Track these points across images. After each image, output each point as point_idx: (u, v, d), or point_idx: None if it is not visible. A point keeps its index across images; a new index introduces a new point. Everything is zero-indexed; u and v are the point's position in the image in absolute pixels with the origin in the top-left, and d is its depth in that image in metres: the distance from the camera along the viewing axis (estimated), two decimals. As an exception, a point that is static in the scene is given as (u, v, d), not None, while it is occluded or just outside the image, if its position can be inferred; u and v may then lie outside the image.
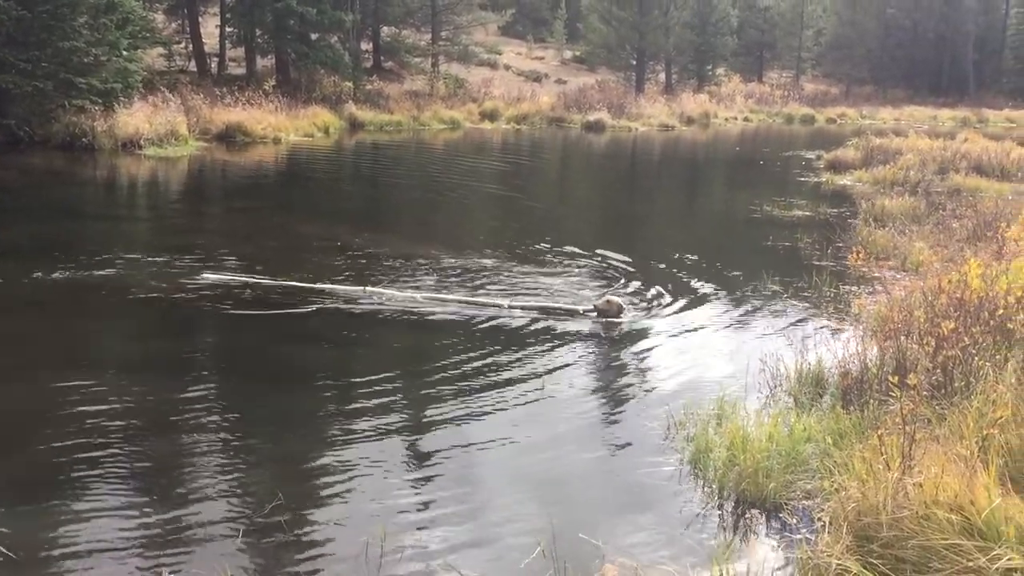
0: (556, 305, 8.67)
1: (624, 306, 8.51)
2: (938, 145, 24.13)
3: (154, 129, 21.37)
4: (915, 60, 64.74)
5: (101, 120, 20.51)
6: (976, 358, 5.83)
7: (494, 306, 8.47)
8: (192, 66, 33.85)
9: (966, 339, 5.78)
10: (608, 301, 8.46)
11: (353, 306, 8.51)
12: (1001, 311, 6.17)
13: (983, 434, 4.56)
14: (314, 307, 8.49)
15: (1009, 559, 3.69)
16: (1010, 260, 8.11)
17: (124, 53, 21.30)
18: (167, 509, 4.85)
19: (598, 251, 11.99)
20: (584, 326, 8.44)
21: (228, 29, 34.33)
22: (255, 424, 6.06)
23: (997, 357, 5.96)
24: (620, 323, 8.38)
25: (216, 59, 34.66)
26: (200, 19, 34.67)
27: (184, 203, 16.22)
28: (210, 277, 9.36)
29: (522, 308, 8.46)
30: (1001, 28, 67.07)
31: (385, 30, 40.71)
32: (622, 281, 10.35)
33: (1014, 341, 6.11)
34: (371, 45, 40.60)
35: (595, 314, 8.45)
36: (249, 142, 24.20)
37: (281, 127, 25.65)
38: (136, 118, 21.34)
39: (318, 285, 8.91)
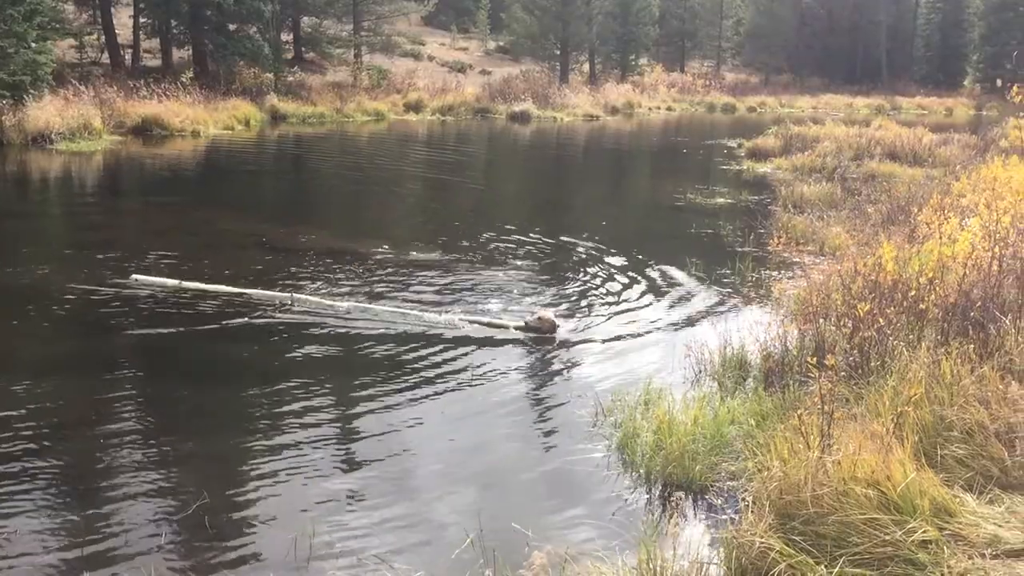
0: (487, 320, 8.15)
1: (557, 323, 7.98)
2: (854, 132, 24.78)
3: (65, 123, 20.70)
4: (831, 49, 66.33)
5: (9, 114, 19.81)
6: (891, 338, 6.01)
7: (423, 319, 8.07)
8: (105, 58, 32.87)
9: (881, 320, 5.95)
10: (540, 318, 7.93)
11: (282, 312, 8.29)
12: (914, 292, 6.36)
13: (898, 412, 4.70)
14: (242, 313, 8.26)
15: (924, 531, 3.81)
16: (922, 243, 8.37)
17: (32, 45, 20.52)
18: (89, 510, 4.73)
19: (525, 240, 12.03)
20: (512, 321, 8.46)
21: (142, 20, 33.37)
22: (180, 425, 5.93)
23: (911, 337, 6.15)
24: (553, 338, 7.85)
25: (130, 51, 33.69)
26: (112, 9, 33.66)
27: (99, 199, 15.74)
28: (140, 279, 9.02)
29: (454, 320, 8.05)
30: (912, 18, 69.19)
31: (306, 20, 40.06)
32: (545, 275, 10.40)
33: (926, 321, 6.31)
34: (291, 36, 39.93)
35: (526, 330, 7.91)
36: (167, 136, 23.61)
37: (200, 120, 25.06)
38: (46, 112, 20.64)
39: (248, 290, 8.61)
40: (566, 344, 7.91)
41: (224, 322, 7.92)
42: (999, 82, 64.28)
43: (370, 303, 8.45)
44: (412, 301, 8.81)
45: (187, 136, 24.05)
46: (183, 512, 4.72)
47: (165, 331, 7.65)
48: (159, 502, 4.86)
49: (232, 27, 32.01)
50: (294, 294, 8.52)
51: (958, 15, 66.47)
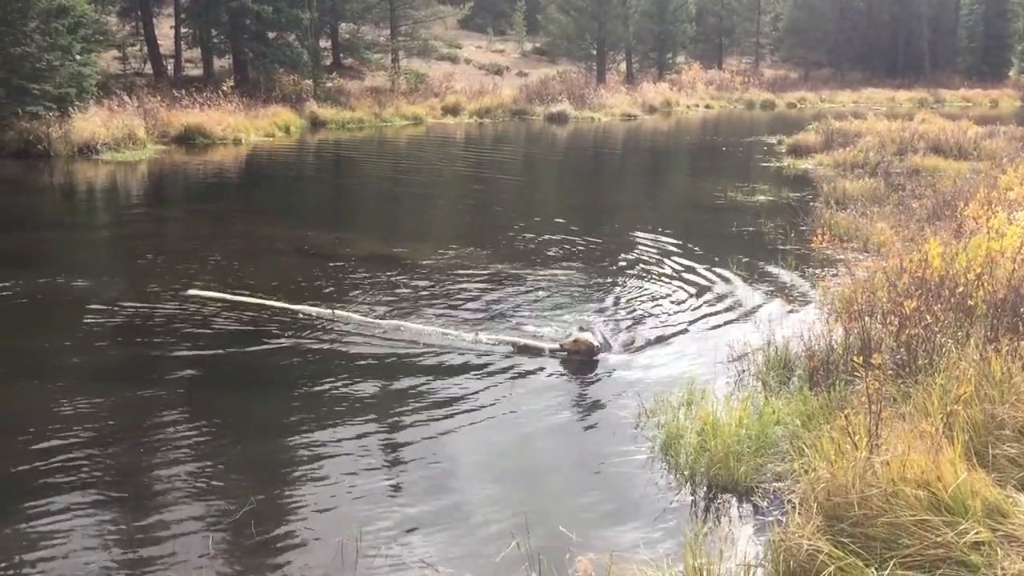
0: (523, 342, 7.61)
1: (596, 345, 7.32)
2: (896, 126, 24.45)
3: (111, 133, 21.07)
4: (871, 42, 65.46)
5: (56, 126, 20.19)
6: (939, 335, 5.91)
7: (462, 339, 7.73)
8: (148, 68, 33.41)
9: (928, 317, 5.85)
10: (576, 340, 7.31)
11: (327, 324, 8.17)
12: (961, 288, 6.25)
13: (948, 410, 4.61)
14: (288, 325, 8.29)
15: (976, 532, 3.74)
16: (968, 238, 8.22)
17: (77, 57, 20.97)
18: (137, 515, 4.81)
19: (565, 242, 12.02)
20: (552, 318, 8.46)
21: (183, 30, 33.90)
22: (226, 431, 5.99)
23: (959, 334, 6.05)
24: (594, 362, 7.29)
25: (172, 61, 34.23)
26: (154, 20, 34.24)
27: (144, 208, 15.98)
28: (194, 293, 8.99)
29: (492, 342, 7.61)
30: (954, 8, 68.01)
31: (343, 27, 40.41)
32: (586, 278, 10.38)
33: (975, 318, 6.20)
34: (330, 42, 40.28)
35: (564, 353, 7.35)
36: (209, 144, 23.93)
37: (241, 128, 25.38)
38: (92, 123, 21.01)
39: (296, 306, 8.48)
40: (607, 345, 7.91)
41: (271, 331, 7.98)
42: (1046, 72, 63.28)
43: (409, 322, 8.14)
44: (453, 312, 8.72)
45: (229, 144, 24.36)
46: (231, 517, 4.78)
47: (212, 341, 7.73)
48: (207, 507, 4.92)
49: (271, 35, 32.37)
50: (336, 311, 8.36)
51: (1001, 4, 65.21)
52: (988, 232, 7.13)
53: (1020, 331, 5.69)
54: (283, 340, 7.71)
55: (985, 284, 6.22)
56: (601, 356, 7.34)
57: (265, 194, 17.61)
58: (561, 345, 7.39)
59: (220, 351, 7.47)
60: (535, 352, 7.50)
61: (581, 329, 7.61)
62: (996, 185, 11.27)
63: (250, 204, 16.38)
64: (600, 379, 7.03)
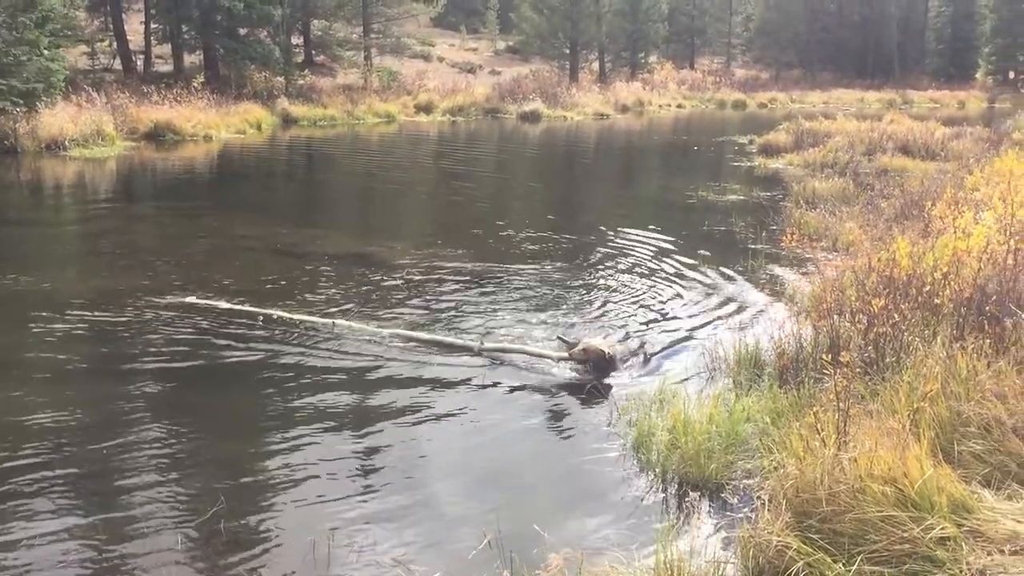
0: (528, 349, 7.26)
1: (607, 351, 6.70)
2: (865, 127, 24.70)
3: (79, 129, 20.86)
4: (841, 43, 66.11)
5: (23, 122, 19.94)
6: (906, 334, 5.98)
7: (465, 348, 7.37)
8: (117, 64, 33.09)
9: (896, 316, 5.92)
10: (585, 349, 6.77)
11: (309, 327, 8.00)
12: (928, 287, 6.33)
13: (914, 408, 4.68)
14: (263, 325, 8.19)
15: (942, 528, 3.80)
16: (935, 238, 8.33)
17: (45, 52, 20.67)
18: (105, 515, 4.76)
19: (538, 239, 12.04)
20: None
21: (153, 25, 33.61)
22: (196, 430, 5.94)
23: (926, 332, 6.13)
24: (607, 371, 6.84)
25: (142, 56, 33.90)
26: (124, 16, 33.88)
27: (112, 204, 15.80)
28: (195, 301, 8.57)
29: (495, 351, 7.28)
30: (923, 10, 68.87)
31: (315, 24, 40.17)
32: (559, 276, 10.40)
33: (941, 316, 6.29)
34: (302, 39, 40.05)
35: (572, 361, 6.92)
36: (179, 140, 23.74)
37: (212, 124, 25.20)
38: (60, 118, 20.79)
39: (297, 316, 8.11)
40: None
41: (245, 333, 7.90)
42: (1011, 74, 64.20)
43: (411, 331, 7.77)
44: (432, 312, 8.61)
45: (199, 141, 24.17)
46: (199, 517, 4.74)
47: (181, 342, 7.65)
48: (176, 507, 4.88)
49: (243, 31, 32.17)
50: (336, 321, 7.95)
51: (969, 7, 66.13)
52: (955, 232, 7.23)
53: (985, 329, 5.77)
54: (257, 342, 7.63)
55: (951, 283, 6.30)
56: (619, 362, 6.83)
57: (236, 191, 17.49)
58: (569, 354, 6.87)
59: (189, 351, 7.39)
60: (541, 360, 7.11)
61: (599, 337, 7.13)
62: (963, 185, 11.41)
63: (221, 201, 16.25)
64: (572, 377, 7.03)
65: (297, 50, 38.90)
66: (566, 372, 7.04)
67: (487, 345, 7.35)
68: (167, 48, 34.30)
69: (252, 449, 5.70)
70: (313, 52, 40.42)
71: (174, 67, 33.00)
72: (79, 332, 7.85)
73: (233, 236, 12.35)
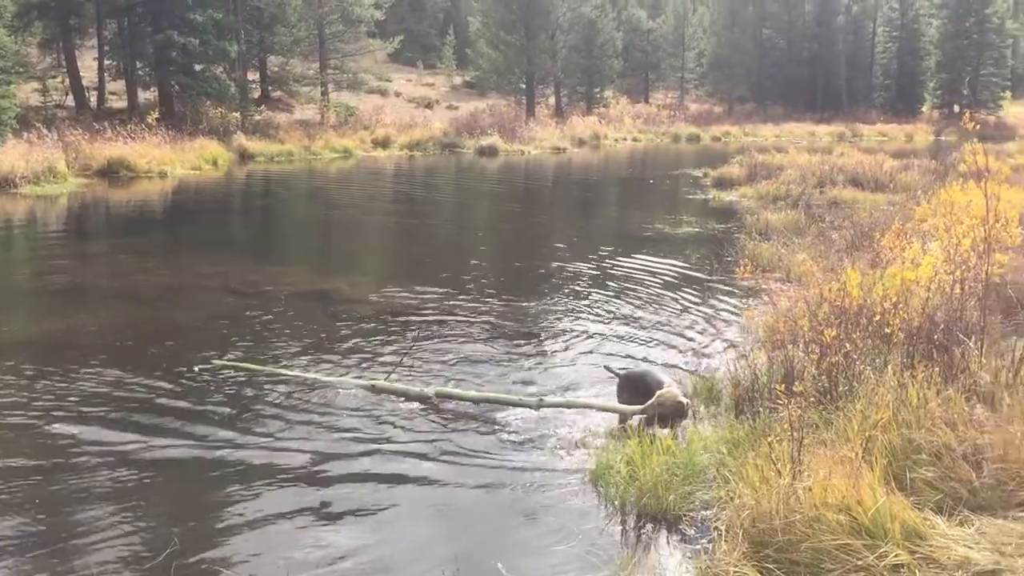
0: (598, 403, 6.69)
1: (684, 401, 6.11)
2: (816, 160, 25.18)
3: (30, 167, 20.62)
4: (792, 78, 67.47)
5: (-28, 159, 19.65)
6: (858, 363, 6.07)
7: (523, 405, 6.78)
8: (70, 101, 32.76)
9: (848, 345, 6.02)
10: (662, 403, 6.06)
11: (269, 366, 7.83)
12: (878, 317, 6.44)
13: (867, 436, 4.74)
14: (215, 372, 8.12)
15: (896, 555, 3.84)
16: (884, 268, 8.48)
17: (-5, 89, 20.47)
18: (56, 557, 4.64)
19: (495, 274, 12.06)
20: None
21: (107, 61, 33.36)
22: (149, 473, 5.81)
23: (877, 361, 6.23)
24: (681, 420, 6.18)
25: (95, 93, 33.61)
26: (77, 52, 33.60)
27: (62, 243, 15.57)
28: (218, 363, 7.89)
29: (557, 406, 6.72)
30: (870, 46, 70.58)
31: (272, 59, 40.24)
32: (516, 314, 10.42)
33: (892, 345, 6.39)
34: (258, 75, 40.03)
35: (648, 412, 6.16)
36: (133, 177, 23.52)
37: (167, 161, 25.00)
38: (10, 156, 20.55)
39: (334, 379, 7.53)
40: (532, 366, 7.94)
41: (197, 369, 7.82)
42: (956, 108, 65.96)
43: (456, 388, 7.23)
44: (396, 352, 8.36)
45: (154, 177, 23.96)
46: (153, 560, 4.65)
47: (131, 380, 7.53)
48: (128, 550, 4.77)
49: (198, 67, 32.06)
50: (374, 383, 7.29)
51: (914, 43, 67.96)
52: (903, 262, 7.38)
53: (934, 358, 5.88)
54: (213, 386, 7.54)
55: (901, 313, 6.42)
56: (689, 408, 6.26)
57: (192, 228, 17.32)
58: (644, 409, 6.17)
59: (140, 391, 7.28)
60: (615, 413, 6.52)
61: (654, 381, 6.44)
62: (911, 216, 11.65)
63: (176, 239, 16.08)
64: (529, 414, 7.00)
65: (253, 86, 38.89)
66: (524, 411, 6.98)
67: (548, 400, 6.76)
68: (122, 84, 34.05)
69: (207, 493, 5.60)
70: (269, 88, 40.42)
71: (128, 103, 32.76)
72: (29, 373, 7.67)
73: (189, 274, 12.18)
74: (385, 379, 7.39)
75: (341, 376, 7.61)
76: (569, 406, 6.73)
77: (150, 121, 27.84)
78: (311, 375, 7.62)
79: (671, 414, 6.05)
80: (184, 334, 8.77)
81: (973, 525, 4.16)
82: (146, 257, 13.60)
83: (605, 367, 7.38)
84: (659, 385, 6.23)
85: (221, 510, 5.31)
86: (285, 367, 7.82)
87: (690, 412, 6.29)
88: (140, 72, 32.51)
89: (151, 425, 6.59)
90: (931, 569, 3.84)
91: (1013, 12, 78.14)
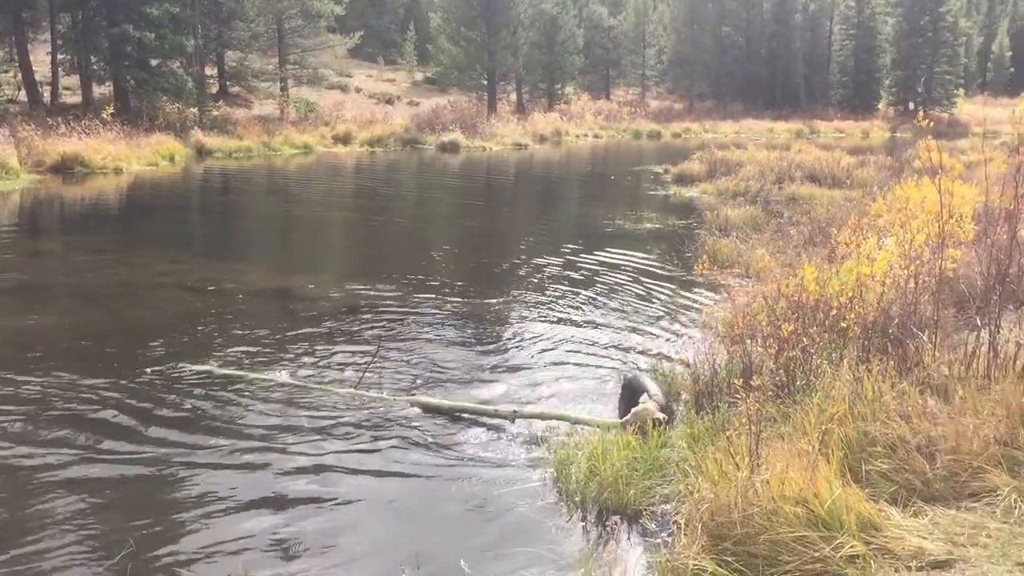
0: (573, 415, 6.52)
1: (660, 417, 5.91)
2: (775, 156, 25.47)
3: (-20, 163, 20.17)
4: (751, 76, 68.09)
5: (-79, 155, 19.20)
6: (815, 357, 6.14)
7: (498, 416, 6.67)
8: (22, 95, 32.12)
9: (805, 340, 6.08)
10: (636, 415, 5.98)
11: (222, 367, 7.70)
12: (835, 311, 6.52)
13: (823, 429, 4.79)
14: (172, 359, 7.96)
15: (851, 546, 3.89)
16: (841, 263, 8.59)
17: (-56, 84, 20.01)
18: (12, 557, 4.58)
19: (455, 271, 12.03)
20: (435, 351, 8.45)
21: (60, 56, 32.74)
22: (103, 472, 5.73)
23: (833, 355, 6.30)
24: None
25: (49, 88, 32.99)
26: (29, 46, 32.93)
27: (15, 240, 15.24)
28: (189, 367, 7.71)
29: (532, 417, 6.58)
30: (827, 44, 71.43)
31: (230, 54, 39.76)
32: (473, 311, 10.41)
33: (848, 339, 6.47)
34: (216, 70, 39.54)
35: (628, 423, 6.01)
36: (88, 173, 23.12)
37: (122, 156, 24.63)
38: (-40, 152, 20.08)
39: (304, 383, 7.35)
40: (495, 365, 7.93)
41: (152, 369, 7.72)
42: (911, 105, 67.04)
43: (432, 399, 7.07)
44: (356, 352, 8.30)
45: (109, 173, 23.58)
46: (109, 560, 4.58)
47: (89, 379, 7.41)
48: (83, 551, 4.70)
49: (154, 62, 31.58)
50: (350, 390, 7.21)
51: (870, 41, 68.92)
52: (859, 257, 7.47)
53: (889, 352, 5.97)
54: (170, 386, 7.44)
55: (857, 307, 6.50)
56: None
57: (148, 225, 17.06)
58: (623, 423, 6.05)
59: (93, 391, 7.15)
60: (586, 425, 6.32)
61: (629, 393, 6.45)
62: (867, 212, 11.81)
63: (132, 236, 15.82)
64: (488, 409, 7.00)
65: (211, 81, 38.40)
66: (479, 396, 6.99)
67: (523, 412, 6.64)
68: (75, 79, 33.46)
69: (162, 493, 5.52)
70: (228, 83, 39.95)
71: (83, 98, 32.18)
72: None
73: (145, 272, 12.01)
74: (359, 382, 7.32)
75: (305, 378, 7.54)
76: (544, 417, 6.59)
77: (105, 116, 27.39)
78: (281, 378, 7.49)
79: (646, 421, 5.86)
80: (139, 333, 8.64)
81: (927, 516, 4.22)
82: (101, 254, 13.38)
83: (616, 369, 7.27)
84: (646, 392, 6.15)
85: (177, 510, 5.25)
86: (248, 369, 7.73)
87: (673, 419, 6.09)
88: (95, 67, 31.90)
89: (105, 425, 6.49)
90: (886, 560, 3.89)
91: (967, 10, 79.63)
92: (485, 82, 49.94)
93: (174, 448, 6.10)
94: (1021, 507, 4.14)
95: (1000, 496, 4.25)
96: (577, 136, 45.93)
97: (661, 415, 5.93)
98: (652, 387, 6.37)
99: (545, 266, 12.59)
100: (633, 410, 6.02)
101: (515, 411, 6.63)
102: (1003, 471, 4.46)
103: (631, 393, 6.46)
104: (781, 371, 6.10)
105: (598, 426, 6.16)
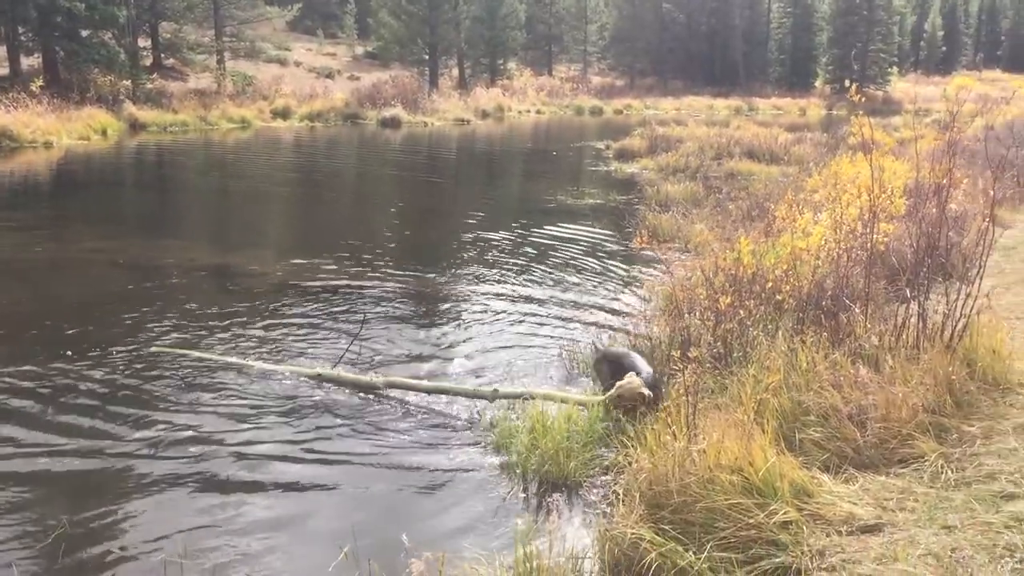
0: (556, 394, 6.24)
1: (646, 394, 5.65)
2: (714, 133, 25.73)
3: (-100, 137, 19.43)
4: (691, 52, 68.56)
5: None
6: (751, 329, 6.26)
7: (478, 397, 6.47)
8: (-55, 67, 30.97)
9: (742, 312, 6.19)
10: (620, 396, 5.73)
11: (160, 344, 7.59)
12: (770, 284, 6.64)
13: (759, 399, 4.89)
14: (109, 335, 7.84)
15: (785, 513, 3.98)
16: (777, 237, 8.74)
17: None
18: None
19: (400, 247, 11.96)
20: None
21: (-15, 26, 31.61)
22: (33, 454, 5.59)
23: (769, 327, 6.42)
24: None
25: (-27, 59, 31.85)
26: (-49, 15, 31.73)
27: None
28: (160, 348, 7.54)
29: (511, 396, 6.30)
30: (765, 22, 72.20)
31: (164, 26, 38.72)
32: (416, 285, 10.37)
33: (783, 311, 6.60)
34: (150, 42, 38.53)
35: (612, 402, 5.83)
36: (16, 147, 22.43)
37: (52, 130, 23.94)
38: None
39: (279, 367, 7.15)
40: (436, 342, 7.92)
41: (81, 349, 7.55)
42: (847, 83, 68.13)
43: (409, 379, 6.85)
44: (291, 331, 8.19)
45: (39, 147, 22.91)
46: (42, 542, 4.49)
47: (22, 355, 7.23)
48: (15, 530, 4.60)
49: (85, 33, 30.65)
50: (321, 371, 7.00)
51: (807, 19, 69.80)
52: (794, 232, 7.61)
53: (823, 323, 6.10)
54: (111, 363, 7.28)
55: (792, 280, 6.63)
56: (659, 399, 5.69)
57: (79, 201, 16.62)
58: (606, 401, 5.86)
59: (20, 372, 6.98)
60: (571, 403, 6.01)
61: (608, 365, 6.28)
62: (803, 188, 12.02)
63: (62, 212, 15.40)
64: (430, 386, 6.99)
65: (145, 53, 37.42)
66: (419, 373, 6.99)
67: (503, 391, 6.42)
68: (2, 50, 32.33)
69: (101, 467, 5.41)
70: (162, 55, 38.95)
71: (10, 70, 31.09)
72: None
73: (76, 249, 11.73)
74: (333, 367, 7.12)
75: (246, 357, 7.45)
76: (526, 397, 6.20)
77: (34, 89, 26.56)
78: (223, 358, 7.32)
79: (634, 404, 5.69)
80: (68, 312, 8.43)
81: (857, 482, 4.34)
82: (29, 232, 12.98)
83: (592, 343, 7.21)
84: (634, 370, 5.91)
85: (111, 495, 5.13)
86: (189, 348, 7.60)
87: (661, 398, 5.69)
88: (23, 38, 30.85)
89: (30, 411, 6.31)
90: (818, 525, 3.99)
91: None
92: (427, 57, 49.48)
93: (106, 433, 5.96)
94: (947, 472, 4.28)
95: (927, 462, 4.38)
96: (519, 112, 45.84)
97: (647, 391, 5.66)
98: (643, 366, 6.02)
99: (484, 241, 12.58)
100: (618, 384, 5.78)
101: (495, 390, 6.41)
102: (930, 438, 4.60)
103: (612, 368, 6.20)
104: (718, 343, 6.20)
105: (582, 404, 5.97)
